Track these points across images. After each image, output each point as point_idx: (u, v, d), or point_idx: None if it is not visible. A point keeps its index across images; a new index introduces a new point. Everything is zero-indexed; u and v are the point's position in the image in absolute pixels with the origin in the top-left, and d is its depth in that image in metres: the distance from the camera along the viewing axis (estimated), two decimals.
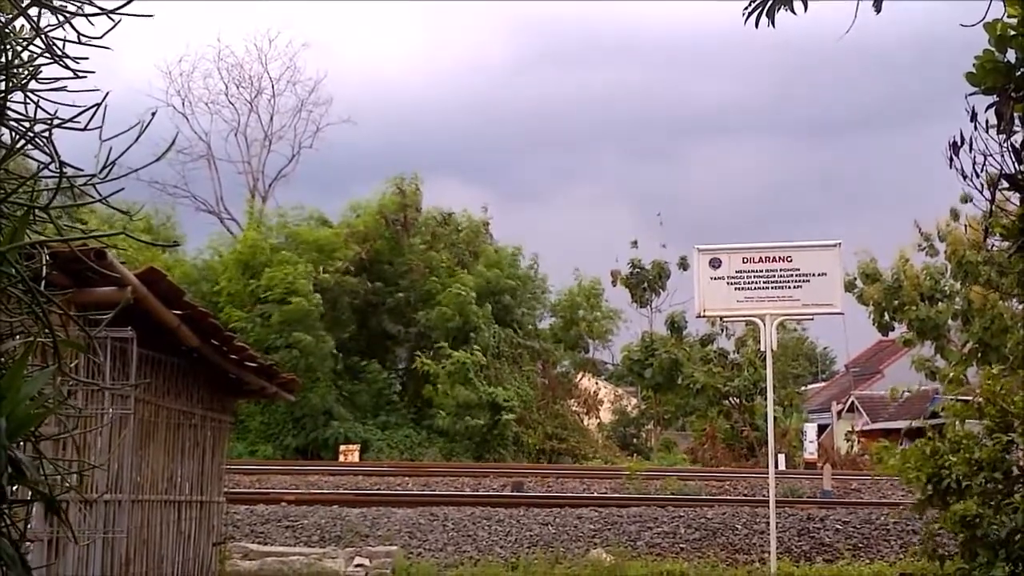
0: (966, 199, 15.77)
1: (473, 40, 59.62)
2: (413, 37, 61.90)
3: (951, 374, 8.49)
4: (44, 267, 1.90)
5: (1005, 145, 5.82)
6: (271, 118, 42.74)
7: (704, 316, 11.80)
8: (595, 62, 60.37)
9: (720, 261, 11.68)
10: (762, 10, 5.66)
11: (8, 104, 1.80)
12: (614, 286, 37.61)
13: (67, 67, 1.87)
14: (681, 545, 12.87)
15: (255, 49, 48.17)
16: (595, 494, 16.77)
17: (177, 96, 41.83)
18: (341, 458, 27.93)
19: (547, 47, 59.86)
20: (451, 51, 58.61)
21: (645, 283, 37.33)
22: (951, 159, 6.20)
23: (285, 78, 42.42)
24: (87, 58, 1.89)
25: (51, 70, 1.89)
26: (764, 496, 12.02)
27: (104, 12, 1.89)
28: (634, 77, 57.34)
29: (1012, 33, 5.26)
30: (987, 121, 5.72)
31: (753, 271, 11.59)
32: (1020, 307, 14.34)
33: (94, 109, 1.84)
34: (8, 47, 1.81)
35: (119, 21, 1.91)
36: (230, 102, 42.51)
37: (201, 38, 63.40)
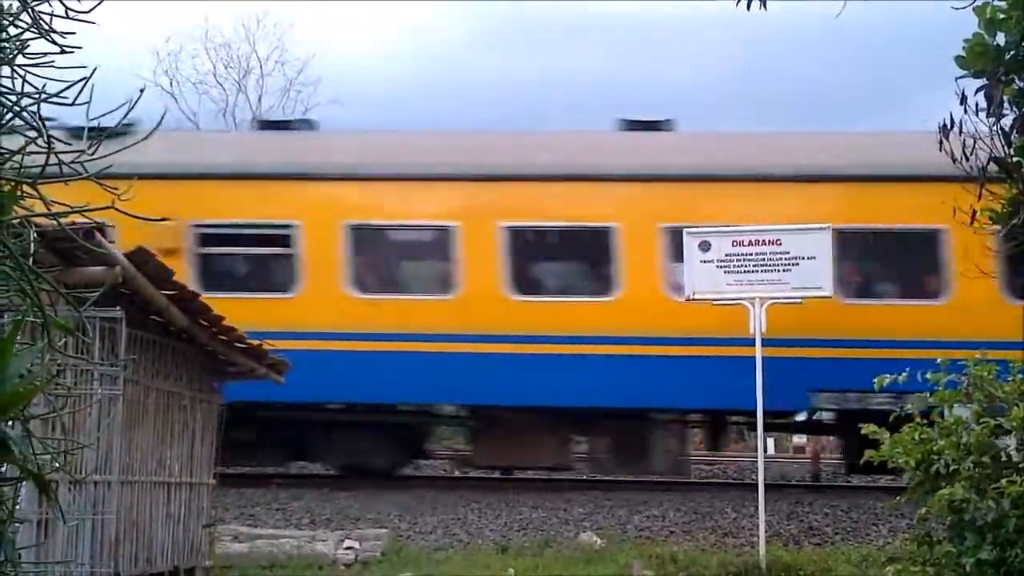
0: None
1: (444, 21, 59.13)
2: (398, 18, 61.52)
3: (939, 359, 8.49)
4: (32, 244, 1.89)
5: (995, 128, 5.83)
6: (259, 98, 42.40)
7: (693, 299, 11.79)
8: (559, 44, 59.75)
9: (709, 244, 11.67)
10: None
11: None
12: None
13: (54, 42, 1.85)
14: (671, 528, 12.90)
15: (243, 29, 47.69)
16: (585, 478, 16.79)
17: (165, 76, 41.49)
18: None
19: (519, 27, 59.31)
20: (432, 31, 58.13)
21: None
22: (940, 142, 6.21)
23: (273, 58, 42.08)
24: (74, 33, 1.88)
25: (38, 45, 1.88)
26: (753, 480, 12.05)
27: None
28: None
29: (1002, 16, 5.26)
30: (976, 104, 5.74)
31: (743, 254, 11.57)
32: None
33: (81, 84, 1.83)
34: None
35: None
36: (218, 82, 42.18)
37: (189, 18, 62.72)
